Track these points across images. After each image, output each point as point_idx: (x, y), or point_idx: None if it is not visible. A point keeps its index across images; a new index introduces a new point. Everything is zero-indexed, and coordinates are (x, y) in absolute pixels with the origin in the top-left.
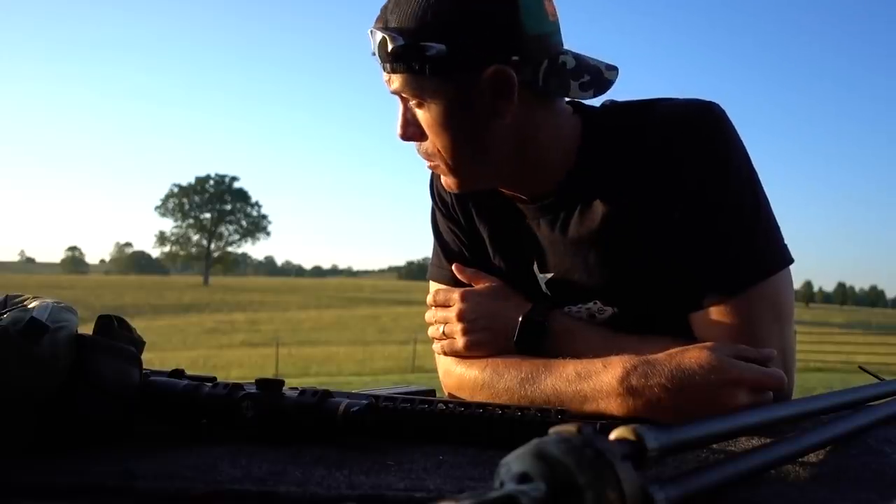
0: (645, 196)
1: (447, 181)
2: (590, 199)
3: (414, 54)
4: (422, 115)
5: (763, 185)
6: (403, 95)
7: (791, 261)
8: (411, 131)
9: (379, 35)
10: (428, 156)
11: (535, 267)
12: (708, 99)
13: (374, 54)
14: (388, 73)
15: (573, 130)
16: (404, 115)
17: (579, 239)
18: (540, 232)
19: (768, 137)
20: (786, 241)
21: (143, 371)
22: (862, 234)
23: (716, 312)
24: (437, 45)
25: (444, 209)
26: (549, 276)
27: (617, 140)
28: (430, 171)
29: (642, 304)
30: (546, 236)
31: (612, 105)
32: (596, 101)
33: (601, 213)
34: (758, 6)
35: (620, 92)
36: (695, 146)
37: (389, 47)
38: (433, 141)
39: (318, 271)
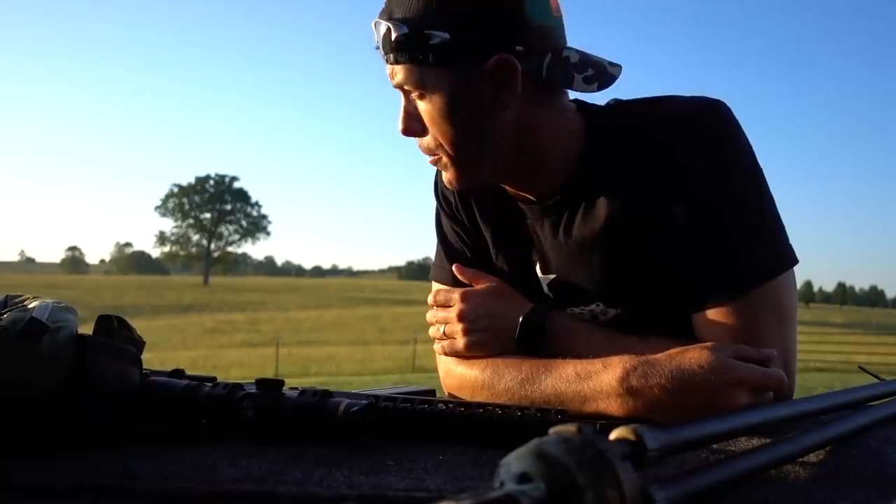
0: (650, 196)
1: (449, 177)
2: (594, 200)
3: (417, 43)
4: (424, 108)
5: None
6: (406, 88)
7: (795, 261)
8: (413, 126)
9: (383, 26)
10: (430, 151)
11: (538, 268)
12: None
13: (377, 48)
14: (392, 64)
15: (577, 129)
16: (406, 109)
17: (583, 240)
18: (542, 233)
19: (768, 137)
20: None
21: (143, 371)
22: (862, 234)
23: (719, 313)
24: (440, 33)
25: (448, 210)
26: (551, 277)
27: (622, 139)
28: (434, 172)
29: (646, 305)
30: (548, 238)
31: (616, 104)
32: (601, 100)
33: (605, 214)
34: (757, 5)
35: (624, 93)
36: (701, 146)
37: (393, 37)
38: (436, 134)
39: (318, 271)
